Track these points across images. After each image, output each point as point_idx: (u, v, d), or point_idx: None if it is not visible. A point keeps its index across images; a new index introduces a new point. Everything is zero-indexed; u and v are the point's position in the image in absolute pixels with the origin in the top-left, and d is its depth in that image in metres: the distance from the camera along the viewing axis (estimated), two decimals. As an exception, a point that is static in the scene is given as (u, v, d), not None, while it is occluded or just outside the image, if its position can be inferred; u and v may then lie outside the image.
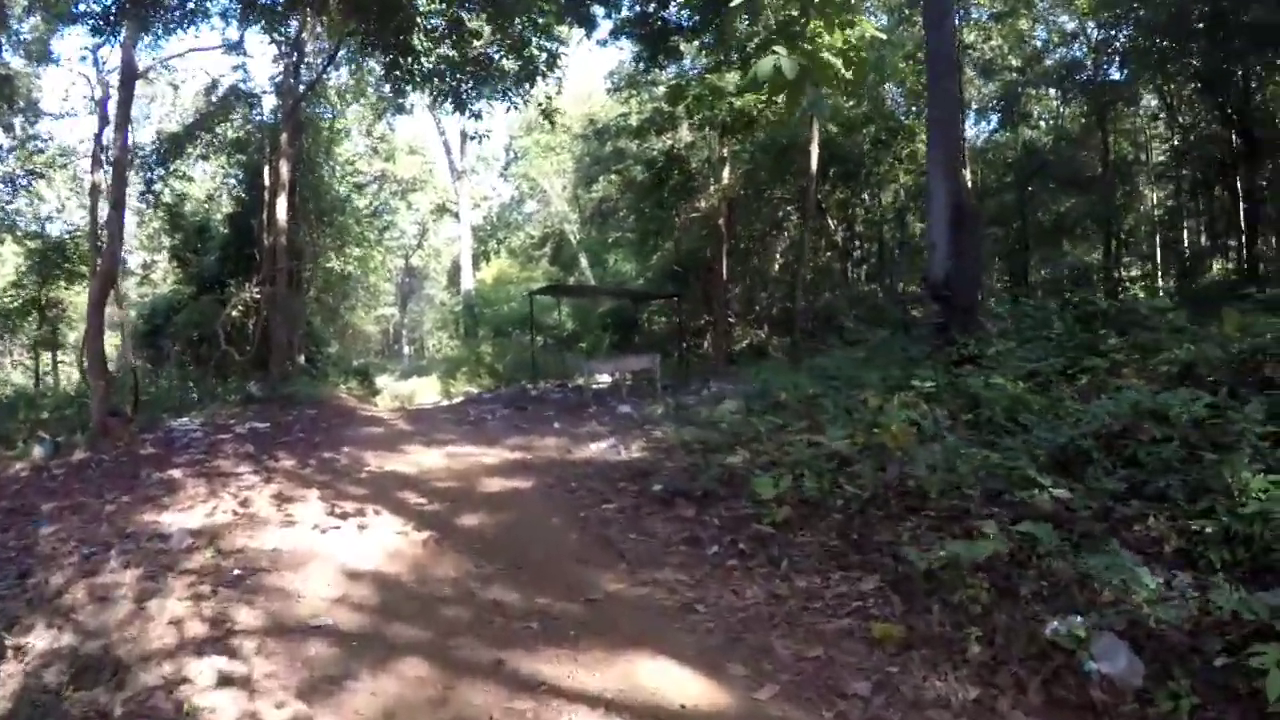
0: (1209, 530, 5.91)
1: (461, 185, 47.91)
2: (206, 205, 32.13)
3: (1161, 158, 33.20)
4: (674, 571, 7.32)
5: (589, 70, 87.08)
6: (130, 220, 37.18)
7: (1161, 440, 7.33)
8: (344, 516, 9.67)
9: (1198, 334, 11.09)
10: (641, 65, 25.46)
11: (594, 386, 21.74)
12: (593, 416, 18.12)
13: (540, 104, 23.52)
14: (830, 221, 32.68)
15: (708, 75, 22.89)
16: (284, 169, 24.53)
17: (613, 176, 43.18)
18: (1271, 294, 14.57)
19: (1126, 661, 4.81)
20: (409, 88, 21.68)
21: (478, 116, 22.74)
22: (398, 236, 56.17)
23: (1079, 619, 5.10)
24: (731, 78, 22.68)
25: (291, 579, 7.55)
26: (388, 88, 25.37)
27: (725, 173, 27.86)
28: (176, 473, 12.01)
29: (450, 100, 21.90)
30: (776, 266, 33.01)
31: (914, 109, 29.90)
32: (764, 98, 23.15)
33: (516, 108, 23.23)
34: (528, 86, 22.32)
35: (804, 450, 9.11)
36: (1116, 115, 30.47)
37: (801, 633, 5.93)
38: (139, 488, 11.23)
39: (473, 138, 26.31)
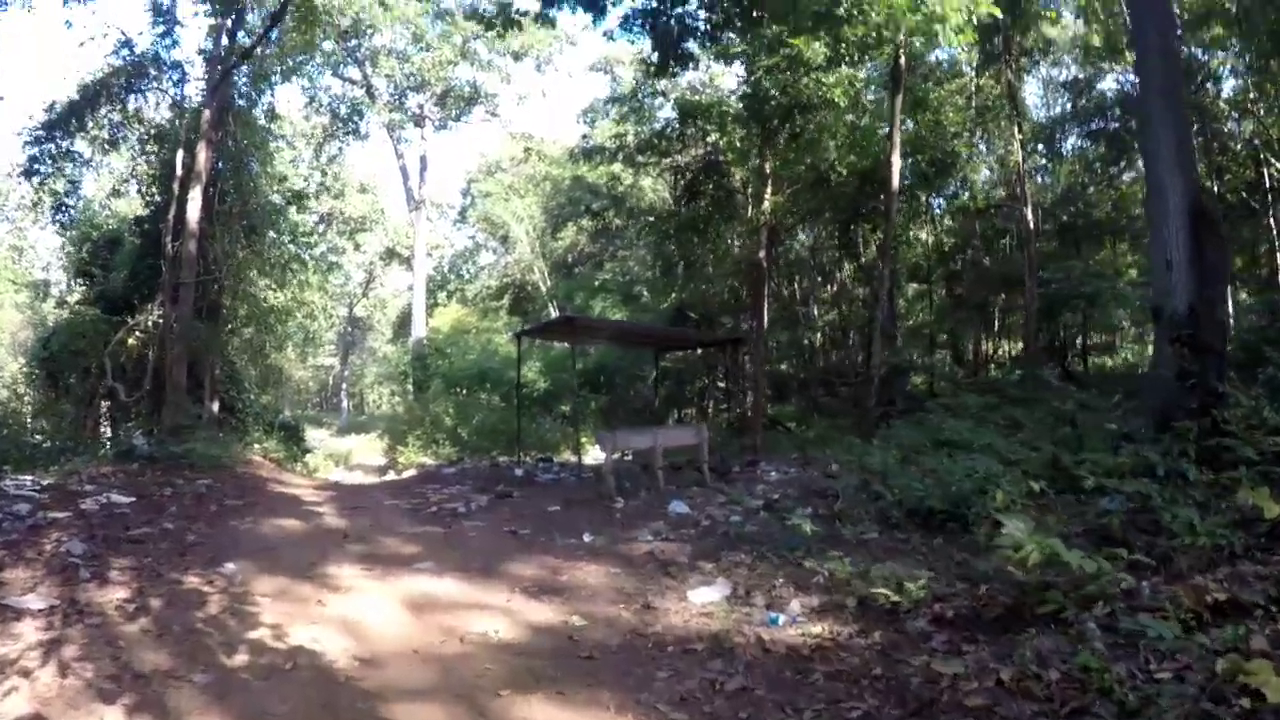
0: None
1: (418, 217, 41.63)
2: (109, 205, 25.91)
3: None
4: None
5: (562, 108, 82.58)
6: (54, 238, 31.11)
7: None
8: None
9: None
10: (651, 72, 22.30)
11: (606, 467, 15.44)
12: (630, 516, 12.01)
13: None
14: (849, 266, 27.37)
15: (792, 40, 16.82)
16: (201, 155, 18.59)
17: (584, 222, 39.83)
18: None
19: None
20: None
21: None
22: (342, 283, 50.78)
23: None
24: (819, 48, 16.78)
25: None
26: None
27: (767, 194, 21.71)
28: (-85, 591, 6.85)
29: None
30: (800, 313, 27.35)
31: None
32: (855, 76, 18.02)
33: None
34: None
35: None
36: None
37: None
38: None
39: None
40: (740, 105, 20.35)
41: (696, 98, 25.73)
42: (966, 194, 25.62)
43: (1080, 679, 4.72)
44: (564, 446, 22.69)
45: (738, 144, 22.09)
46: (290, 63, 25.90)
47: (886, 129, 21.71)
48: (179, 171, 19.49)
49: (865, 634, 6.23)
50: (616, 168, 30.93)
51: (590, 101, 44.66)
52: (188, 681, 5.44)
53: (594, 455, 21.75)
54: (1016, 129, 25.47)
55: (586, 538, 10.53)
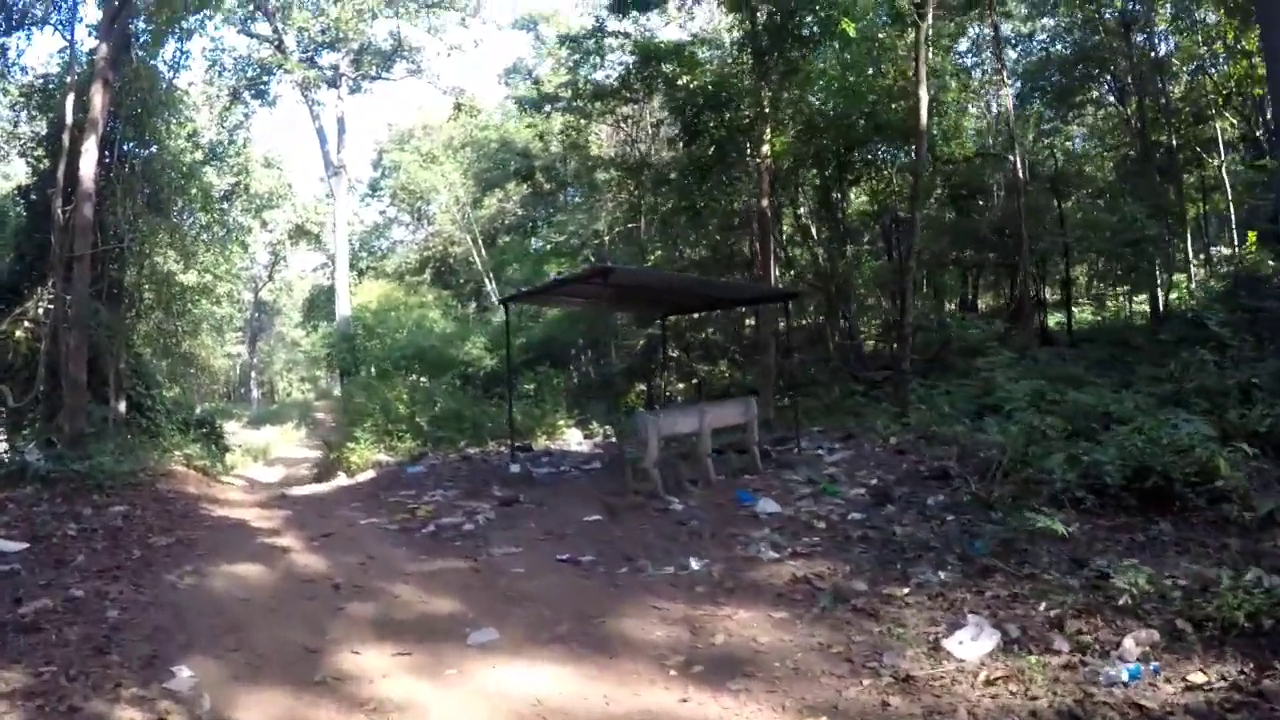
0: None
1: (338, 183, 37.65)
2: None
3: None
4: None
5: (481, 71, 78.05)
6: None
7: None
8: None
9: None
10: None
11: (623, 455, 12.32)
12: (708, 523, 9.15)
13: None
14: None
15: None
16: (96, 100, 14.68)
17: (512, 186, 38.33)
18: None
19: None
20: None
21: None
22: (248, 265, 46.72)
23: None
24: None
25: None
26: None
27: (767, 135, 18.96)
28: None
29: None
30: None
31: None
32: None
33: None
34: None
35: None
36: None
37: None
38: None
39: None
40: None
41: (657, 41, 23.22)
42: (951, 143, 22.97)
43: None
44: (538, 431, 19.42)
45: (709, 86, 20.01)
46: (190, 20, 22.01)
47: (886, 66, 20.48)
48: (69, 120, 15.77)
49: (1268, 672, 4.51)
50: (559, 121, 28.08)
51: (514, 61, 41.76)
52: None
53: (574, 441, 18.77)
54: (1004, 74, 23.41)
55: (694, 564, 7.54)
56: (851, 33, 16.96)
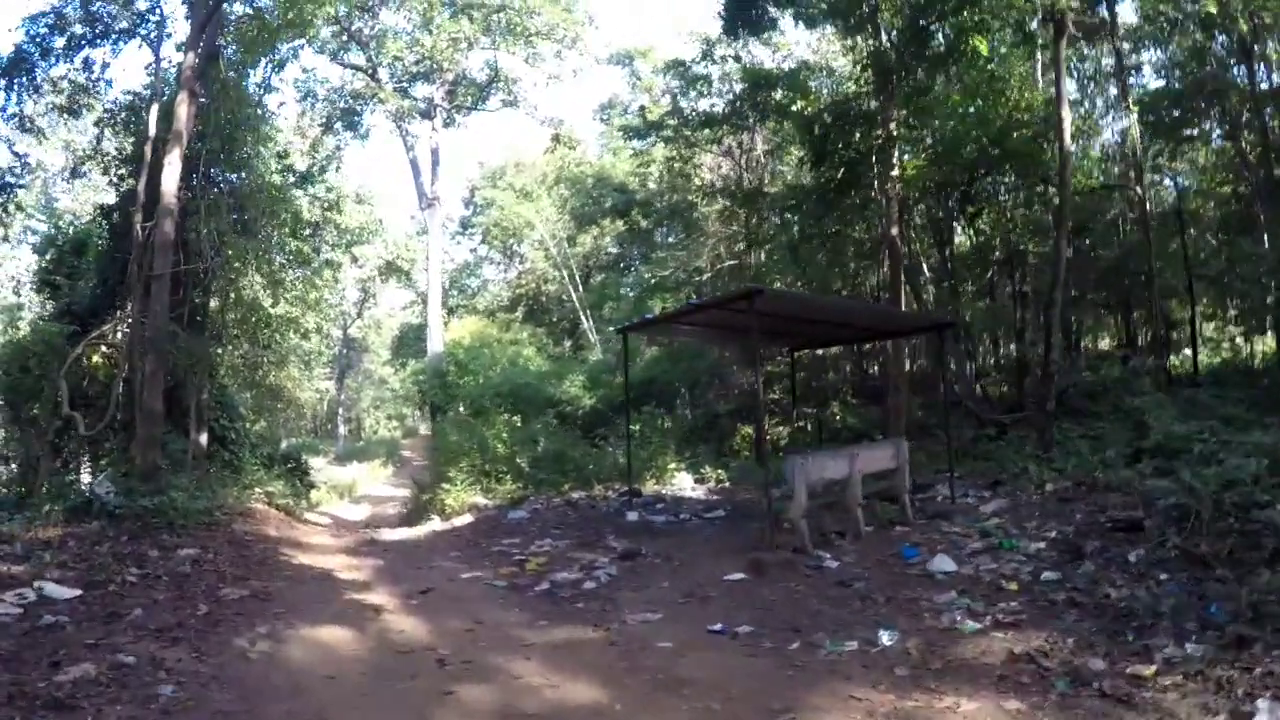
0: None
1: (432, 214, 37.04)
2: (71, 192, 21.40)
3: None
4: None
5: (576, 107, 76.48)
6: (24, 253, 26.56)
7: None
8: None
9: None
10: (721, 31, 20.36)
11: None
12: (875, 585, 7.74)
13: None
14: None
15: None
16: (182, 111, 13.71)
17: (607, 223, 37.75)
18: None
19: None
20: None
21: None
22: (338, 301, 45.79)
23: None
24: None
25: None
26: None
27: (894, 159, 17.98)
28: None
29: None
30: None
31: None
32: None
33: None
34: None
35: None
36: None
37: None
38: None
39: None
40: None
41: (767, 68, 22.67)
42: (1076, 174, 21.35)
43: None
44: (646, 475, 18.02)
45: (828, 111, 19.01)
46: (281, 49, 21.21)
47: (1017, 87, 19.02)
48: (152, 132, 14.86)
49: None
50: (661, 154, 27.81)
51: (609, 96, 40.90)
52: None
53: (686, 486, 17.41)
54: (1128, 101, 21.59)
55: (884, 638, 6.09)
56: (984, 50, 15.69)
